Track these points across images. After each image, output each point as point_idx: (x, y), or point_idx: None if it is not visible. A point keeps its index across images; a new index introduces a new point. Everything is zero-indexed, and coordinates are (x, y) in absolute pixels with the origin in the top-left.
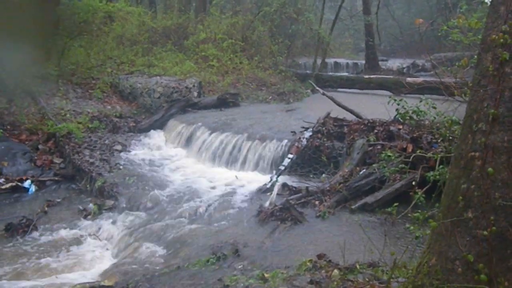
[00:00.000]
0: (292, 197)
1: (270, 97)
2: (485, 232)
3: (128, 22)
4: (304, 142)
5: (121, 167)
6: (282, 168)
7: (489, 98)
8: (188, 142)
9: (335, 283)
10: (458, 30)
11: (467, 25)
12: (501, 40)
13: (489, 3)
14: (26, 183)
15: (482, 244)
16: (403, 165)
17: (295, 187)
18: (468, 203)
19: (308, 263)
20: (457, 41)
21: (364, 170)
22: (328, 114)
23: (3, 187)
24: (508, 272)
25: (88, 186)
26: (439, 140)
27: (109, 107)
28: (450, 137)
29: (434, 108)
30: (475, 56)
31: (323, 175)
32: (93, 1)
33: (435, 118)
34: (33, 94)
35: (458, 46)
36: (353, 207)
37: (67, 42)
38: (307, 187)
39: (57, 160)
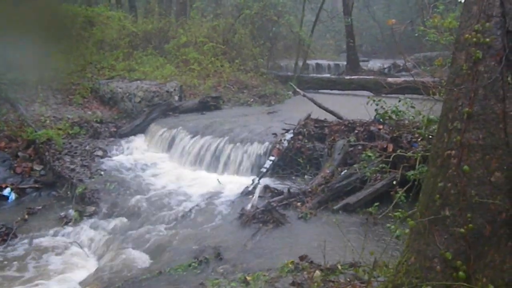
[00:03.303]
0: (274, 199)
1: (252, 100)
2: (462, 230)
3: (108, 26)
4: (285, 144)
5: (102, 173)
6: (264, 170)
7: (464, 96)
8: (169, 146)
9: (317, 284)
10: (435, 30)
11: (442, 25)
12: (474, 39)
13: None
14: (6, 191)
15: (459, 241)
16: (383, 165)
17: (277, 189)
18: (445, 201)
19: (290, 265)
20: (436, 41)
21: (345, 171)
22: (309, 115)
23: None
24: (486, 268)
25: (69, 192)
26: (418, 139)
27: (90, 112)
28: (430, 136)
29: (413, 107)
30: (451, 56)
31: (305, 176)
32: (72, 6)
33: (414, 117)
34: (12, 101)
35: (437, 46)
36: (334, 207)
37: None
38: (288, 189)
39: (37, 167)
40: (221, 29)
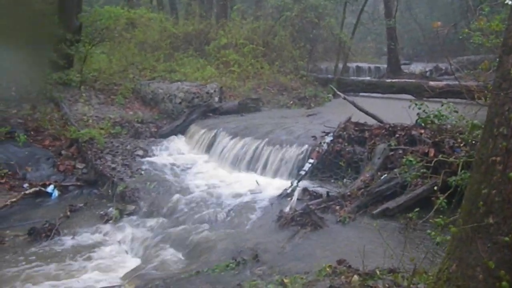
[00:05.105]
0: (312, 202)
1: (291, 102)
2: (506, 238)
3: (150, 28)
4: (325, 147)
5: (142, 172)
6: (303, 173)
7: (510, 101)
8: (209, 147)
9: None
10: (480, 33)
11: (489, 27)
12: None
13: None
14: (49, 188)
15: (503, 250)
16: (424, 170)
17: (315, 192)
18: (489, 208)
19: (327, 269)
20: (480, 44)
21: (385, 175)
22: (349, 118)
23: (27, 192)
24: None
25: (109, 191)
26: (461, 145)
27: (131, 112)
28: (473, 142)
29: (456, 112)
30: (498, 59)
31: (344, 180)
32: (114, 8)
33: (457, 122)
34: (56, 101)
35: (481, 49)
36: (374, 212)
37: (89, 49)
38: (327, 192)
39: (79, 166)
40: (261, 31)
